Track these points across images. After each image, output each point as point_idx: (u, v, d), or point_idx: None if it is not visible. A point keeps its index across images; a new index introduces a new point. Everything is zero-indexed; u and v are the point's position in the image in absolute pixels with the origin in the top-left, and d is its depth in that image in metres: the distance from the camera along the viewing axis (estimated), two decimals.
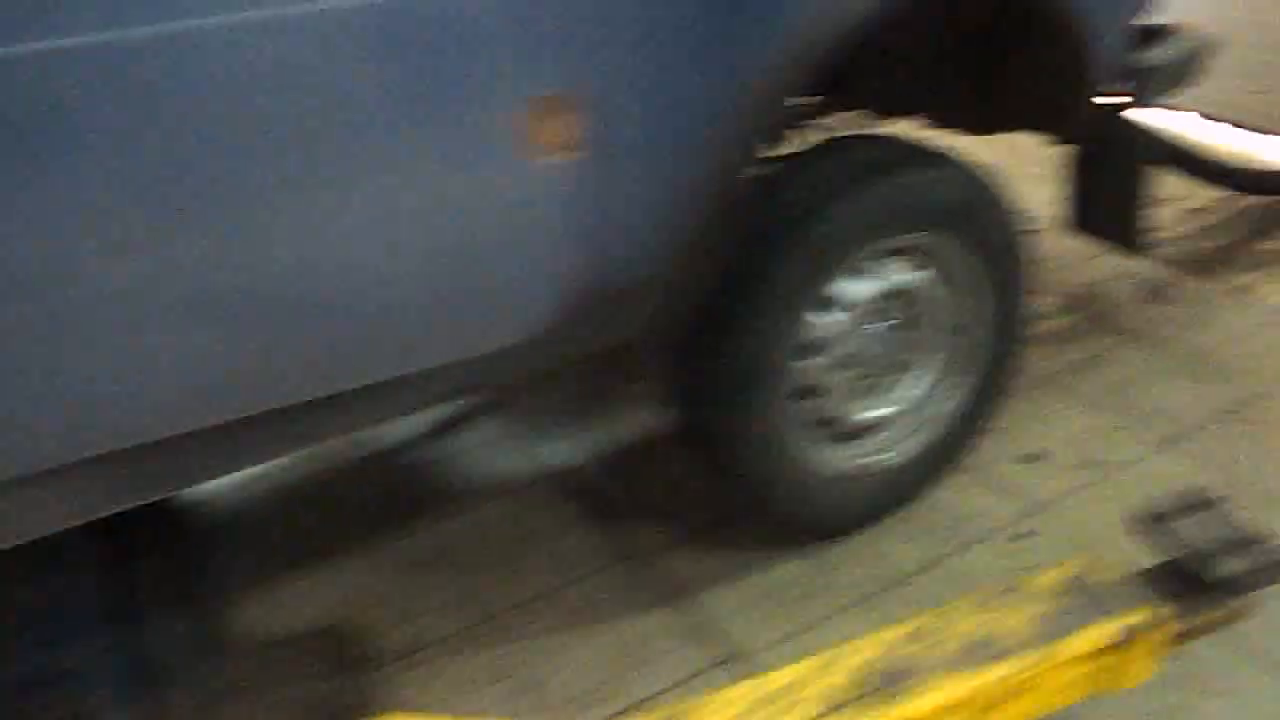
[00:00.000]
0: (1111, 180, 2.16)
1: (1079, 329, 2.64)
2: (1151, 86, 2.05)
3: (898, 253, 1.86)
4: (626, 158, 1.40)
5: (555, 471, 2.30)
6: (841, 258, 1.76)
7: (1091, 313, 2.70)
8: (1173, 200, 3.18)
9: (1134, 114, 2.11)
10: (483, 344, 1.40)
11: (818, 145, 1.82)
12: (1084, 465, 2.18)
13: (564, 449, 2.36)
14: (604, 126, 1.34)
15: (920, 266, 1.90)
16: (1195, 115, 3.64)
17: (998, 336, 2.03)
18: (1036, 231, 2.73)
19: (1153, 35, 2.14)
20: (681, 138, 1.45)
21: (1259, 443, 2.22)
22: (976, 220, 1.87)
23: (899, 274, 1.87)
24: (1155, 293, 2.76)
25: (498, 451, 2.38)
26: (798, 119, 2.14)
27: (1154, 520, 1.12)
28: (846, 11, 1.52)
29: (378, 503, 2.25)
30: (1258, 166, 3.11)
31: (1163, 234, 3.03)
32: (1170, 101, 3.19)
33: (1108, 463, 2.18)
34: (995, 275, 1.95)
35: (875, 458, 2.01)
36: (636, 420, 2.38)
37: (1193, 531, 1.12)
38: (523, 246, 1.36)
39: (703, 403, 1.82)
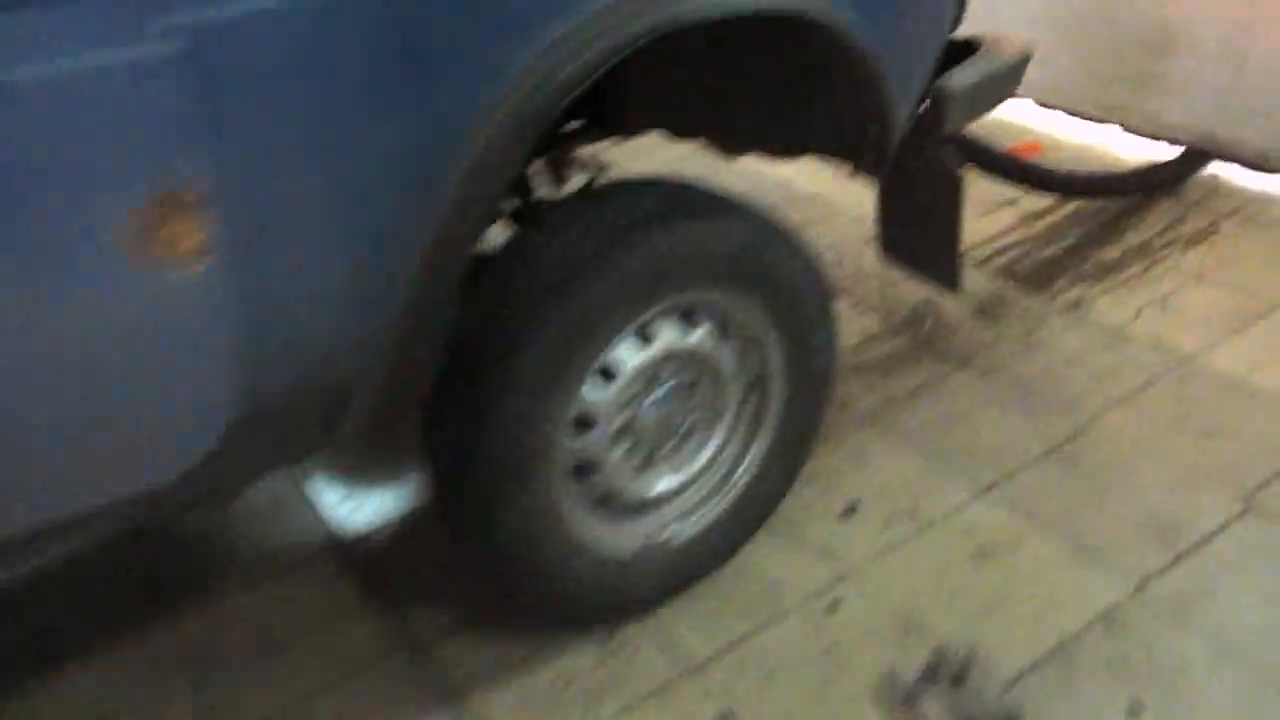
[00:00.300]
0: (920, 213, 2.00)
1: (905, 356, 2.49)
2: (956, 112, 1.88)
3: (675, 312, 1.67)
4: (284, 253, 1.18)
5: (331, 545, 2.07)
6: (608, 325, 1.56)
7: (919, 336, 2.55)
8: (1006, 204, 3.06)
9: (951, 132, 1.95)
10: (120, 486, 1.17)
11: (573, 198, 1.61)
12: (900, 517, 2.04)
13: (343, 518, 2.12)
14: (244, 221, 1.12)
15: (701, 325, 1.71)
16: (1030, 103, 3.53)
17: (796, 390, 1.86)
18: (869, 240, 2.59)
19: (959, 52, 1.98)
20: (361, 218, 1.23)
21: (1083, 482, 2.09)
22: (760, 271, 1.68)
23: (677, 335, 1.68)
24: (985, 311, 2.63)
25: (267, 523, 2.14)
26: (569, 148, 1.93)
27: (901, 696, 0.95)
28: (568, 60, 1.31)
29: (119, 591, 1.99)
30: (1085, 170, 3.01)
31: (996, 242, 2.91)
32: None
33: (925, 514, 2.04)
34: (787, 327, 1.77)
35: (668, 530, 1.83)
36: (421, 486, 2.16)
37: (939, 709, 0.96)
38: (158, 372, 1.12)
39: (462, 490, 1.61)
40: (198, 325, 1.13)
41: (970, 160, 2.69)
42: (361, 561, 2.03)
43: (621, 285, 1.53)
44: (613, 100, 1.86)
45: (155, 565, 2.05)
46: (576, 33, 1.31)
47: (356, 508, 2.15)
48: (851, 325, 2.62)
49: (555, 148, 1.90)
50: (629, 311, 1.58)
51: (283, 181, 1.14)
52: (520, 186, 1.98)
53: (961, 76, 1.89)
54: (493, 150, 1.31)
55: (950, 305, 2.64)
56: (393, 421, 1.51)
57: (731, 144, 1.99)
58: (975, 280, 2.75)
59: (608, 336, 1.57)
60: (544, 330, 1.49)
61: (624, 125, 1.90)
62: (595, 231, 1.53)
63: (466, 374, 1.53)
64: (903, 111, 1.79)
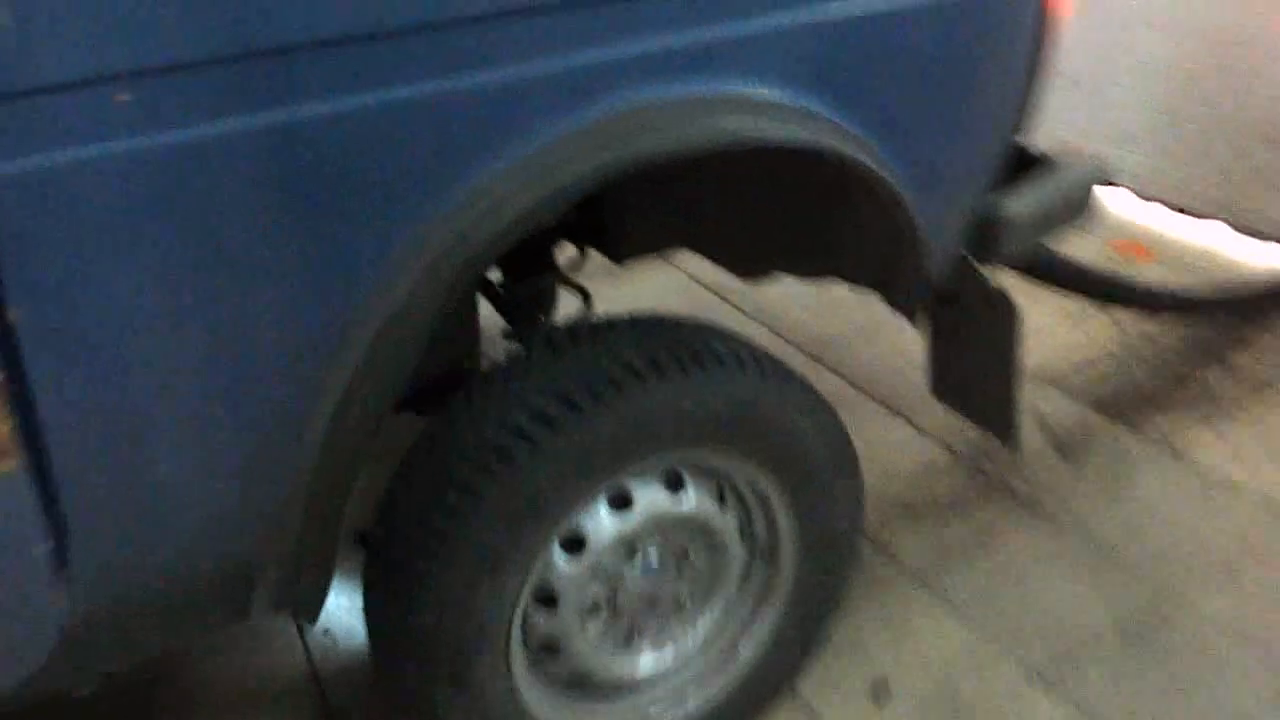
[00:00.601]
0: (970, 351, 1.73)
1: (966, 495, 2.19)
2: (1011, 239, 1.61)
3: (660, 474, 1.44)
4: (133, 442, 1.02)
5: (309, 678, 1.87)
6: (570, 491, 1.34)
7: (984, 471, 2.25)
8: (1098, 313, 2.73)
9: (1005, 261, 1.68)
10: None
11: (539, 341, 1.39)
12: (936, 705, 1.74)
13: (323, 650, 1.93)
14: (71, 409, 0.96)
15: (692, 487, 1.47)
16: (1130, 195, 3.21)
17: (812, 559, 1.59)
18: None
19: (1026, 166, 1.71)
20: (237, 390, 1.07)
21: (1160, 676, 1.76)
22: (761, 432, 1.44)
23: (663, 499, 1.44)
24: (1063, 445, 2.31)
25: (246, 648, 1.96)
26: (555, 274, 1.73)
27: None
28: (500, 205, 1.10)
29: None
30: (1185, 286, 2.65)
31: (1083, 359, 2.59)
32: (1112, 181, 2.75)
33: (966, 702, 1.74)
34: (798, 492, 1.52)
35: (655, 716, 1.58)
36: None
37: None
38: None
39: (399, 668, 1.40)
40: (9, 531, 0.95)
41: (1042, 274, 2.39)
42: (336, 705, 1.83)
43: (588, 448, 1.31)
44: (611, 221, 1.64)
45: (122, 692, 1.89)
46: (506, 178, 1.11)
47: (335, 642, 1.95)
48: (911, 454, 2.33)
49: (539, 272, 1.70)
50: (598, 476, 1.35)
51: (123, 359, 0.97)
52: (513, 306, 1.79)
53: (1020, 198, 1.63)
54: (415, 300, 1.12)
55: (1026, 435, 2.33)
56: (320, 588, 1.30)
57: (745, 267, 1.76)
58: (1056, 405, 2.43)
59: (570, 503, 1.35)
60: (487, 495, 1.28)
61: (623, 248, 1.68)
62: (557, 384, 1.31)
63: (398, 536, 1.33)
64: (941, 243, 1.54)
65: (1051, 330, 2.69)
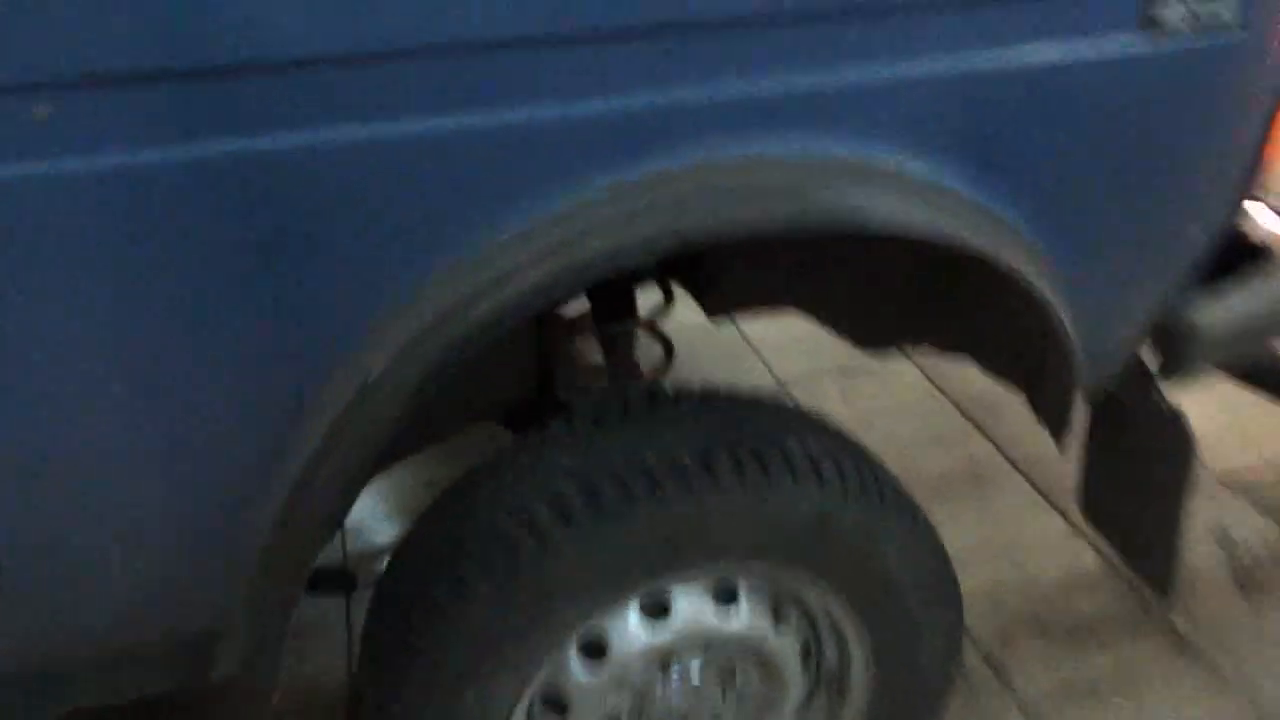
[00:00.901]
0: (1131, 476, 1.41)
1: (1113, 620, 1.86)
2: (1202, 354, 1.29)
3: (705, 584, 1.22)
4: (67, 498, 0.91)
5: (347, 681, 1.77)
6: (588, 596, 1.14)
7: (1142, 593, 1.90)
8: None
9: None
10: None
11: (579, 415, 1.19)
12: None
13: None
14: None
15: (744, 602, 1.24)
16: None
17: (888, 698, 1.34)
18: None
19: (1243, 257, 1.37)
20: (191, 445, 0.92)
21: None
22: (834, 553, 1.19)
23: (707, 611, 1.22)
24: (1245, 576, 1.93)
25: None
26: (636, 323, 1.51)
27: None
28: (494, 288, 0.90)
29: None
30: None
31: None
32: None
33: None
34: (876, 620, 1.27)
35: None
36: None
37: None
38: None
39: None
40: None
41: (1246, 379, 1.98)
42: None
43: (612, 554, 1.11)
44: (709, 269, 1.42)
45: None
46: (521, 242, 0.90)
47: None
48: (1058, 555, 2.01)
49: (621, 319, 1.49)
50: (623, 586, 1.15)
51: (39, 415, 0.85)
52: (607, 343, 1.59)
53: (1220, 303, 1.30)
54: (393, 374, 0.93)
55: (1196, 551, 1.97)
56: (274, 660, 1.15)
57: (862, 338, 1.49)
58: (1247, 523, 2.05)
59: (587, 611, 1.15)
60: (481, 593, 1.09)
61: (719, 301, 1.45)
62: (583, 471, 1.10)
63: (385, 614, 1.17)
64: (1104, 350, 1.24)
65: (1255, 431, 2.28)
